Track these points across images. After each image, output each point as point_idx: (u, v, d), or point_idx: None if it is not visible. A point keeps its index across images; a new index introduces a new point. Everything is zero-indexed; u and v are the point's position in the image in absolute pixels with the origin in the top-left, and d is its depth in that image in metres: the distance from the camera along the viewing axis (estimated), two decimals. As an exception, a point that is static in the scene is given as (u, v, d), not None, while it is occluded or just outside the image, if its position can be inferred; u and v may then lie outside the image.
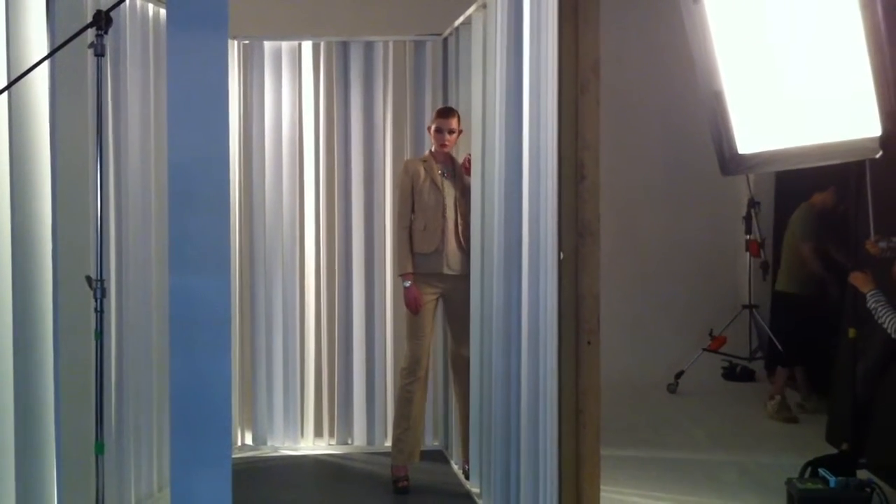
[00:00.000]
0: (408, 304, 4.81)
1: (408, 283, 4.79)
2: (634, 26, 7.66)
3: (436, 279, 4.84)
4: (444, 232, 4.81)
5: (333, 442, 5.65)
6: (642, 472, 5.16)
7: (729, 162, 3.84)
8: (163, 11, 4.62)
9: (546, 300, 3.53)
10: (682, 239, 8.00)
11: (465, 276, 4.81)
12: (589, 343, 3.33)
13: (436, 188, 4.83)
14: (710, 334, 7.49)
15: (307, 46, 5.57)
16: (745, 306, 7.57)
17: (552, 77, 3.43)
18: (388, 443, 5.26)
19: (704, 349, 7.39)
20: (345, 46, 5.53)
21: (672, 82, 7.41)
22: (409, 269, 4.80)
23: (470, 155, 4.78)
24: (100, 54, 3.18)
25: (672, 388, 7.20)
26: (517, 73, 3.91)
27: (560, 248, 3.40)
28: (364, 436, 5.60)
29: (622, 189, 7.53)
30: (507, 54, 4.06)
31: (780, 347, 6.96)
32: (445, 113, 4.88)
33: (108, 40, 3.34)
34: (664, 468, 5.25)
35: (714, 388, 7.37)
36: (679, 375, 7.20)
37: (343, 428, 5.63)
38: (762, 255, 7.51)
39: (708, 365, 7.45)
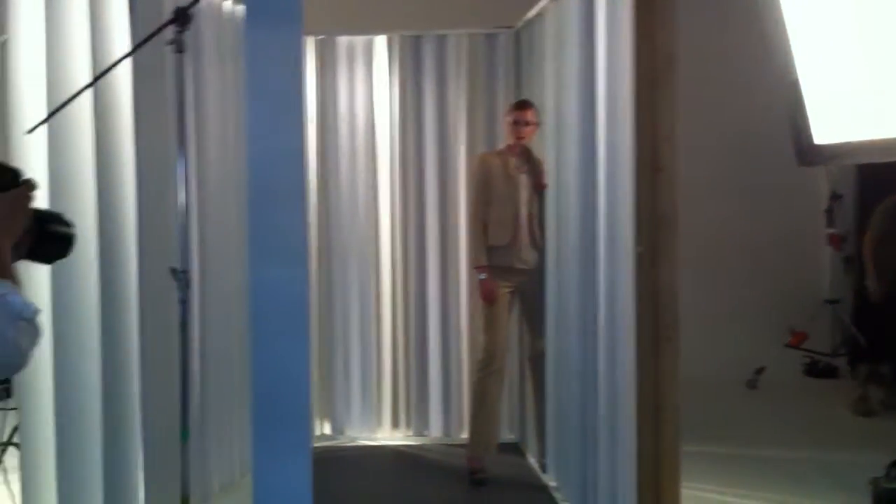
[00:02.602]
0: (483, 296, 4.82)
1: (483, 276, 4.80)
2: (706, 14, 7.51)
3: (508, 273, 4.83)
4: (517, 226, 4.80)
5: (410, 433, 5.69)
6: (721, 468, 5.08)
7: (806, 152, 3.75)
8: (239, 8, 4.70)
9: (623, 294, 3.49)
10: (760, 232, 7.84)
11: (537, 270, 4.80)
12: (668, 339, 3.29)
13: (510, 182, 4.82)
14: (791, 330, 7.33)
15: (381, 41, 5.61)
16: (826, 301, 7.40)
17: (628, 69, 3.39)
18: (465, 435, 5.27)
19: (785, 345, 7.24)
20: (417, 41, 5.56)
21: (747, 71, 7.26)
22: (484, 262, 4.81)
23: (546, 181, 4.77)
24: (180, 51, 3.25)
25: (752, 384, 7.07)
26: (591, 64, 3.87)
27: (638, 242, 3.36)
28: (440, 427, 5.63)
29: (697, 181, 7.39)
30: (580, 46, 4.02)
31: (862, 343, 6.78)
32: (521, 105, 4.86)
33: (188, 37, 3.42)
34: (744, 465, 5.16)
35: (795, 385, 7.23)
36: (759, 371, 7.07)
37: (419, 419, 5.67)
38: (844, 249, 7.32)
39: (789, 361, 7.30)
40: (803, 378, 7.41)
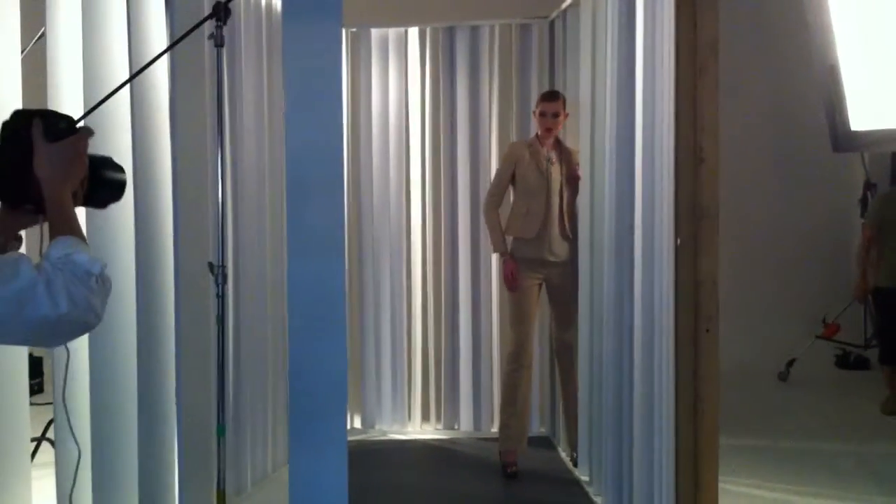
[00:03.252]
0: (505, 279, 4.80)
1: (504, 259, 4.79)
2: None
3: (538, 265, 4.80)
4: (546, 217, 4.77)
5: (440, 426, 5.68)
6: (756, 461, 5.04)
7: (841, 139, 3.70)
8: (275, 1, 4.69)
9: (662, 286, 3.46)
10: (793, 222, 7.77)
11: (568, 262, 4.77)
12: (707, 330, 3.26)
13: (540, 173, 4.78)
14: (824, 321, 7.26)
15: (413, 33, 5.59)
16: (860, 292, 7.31)
17: (668, 58, 3.34)
18: (495, 428, 5.26)
19: (817, 336, 7.18)
20: (450, 32, 5.53)
21: (783, 57, 7.17)
22: (501, 249, 4.80)
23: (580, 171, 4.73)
24: (219, 45, 3.25)
25: (784, 376, 7.01)
26: (629, 53, 3.82)
27: (677, 234, 3.32)
28: (470, 421, 5.61)
29: (731, 171, 7.31)
30: (618, 35, 3.98)
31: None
32: (550, 96, 4.82)
33: (226, 31, 3.41)
34: (779, 457, 5.12)
35: (827, 377, 7.17)
36: (791, 363, 7.01)
37: (450, 413, 5.66)
38: (879, 238, 7.22)
39: (821, 353, 7.24)
40: (835, 370, 7.34)
